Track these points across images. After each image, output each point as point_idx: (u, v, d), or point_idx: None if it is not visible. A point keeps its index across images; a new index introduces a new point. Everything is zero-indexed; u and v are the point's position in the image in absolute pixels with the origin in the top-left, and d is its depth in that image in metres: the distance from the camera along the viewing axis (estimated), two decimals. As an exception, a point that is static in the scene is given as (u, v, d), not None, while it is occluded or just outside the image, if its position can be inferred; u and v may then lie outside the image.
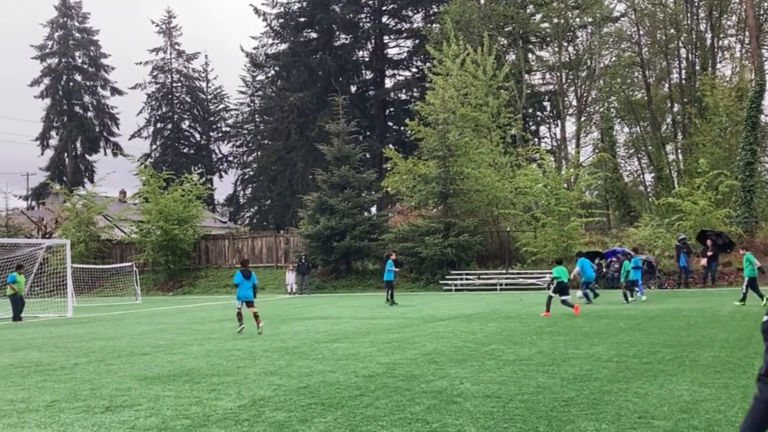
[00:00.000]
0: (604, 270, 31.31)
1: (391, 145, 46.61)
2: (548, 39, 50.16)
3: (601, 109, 49.23)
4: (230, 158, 74.43)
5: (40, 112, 70.17)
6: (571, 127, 51.09)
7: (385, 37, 61.46)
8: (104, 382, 8.75)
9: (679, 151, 47.63)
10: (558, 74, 50.17)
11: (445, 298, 27.70)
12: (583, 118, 50.29)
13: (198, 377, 8.86)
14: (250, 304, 14.91)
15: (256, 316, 14.67)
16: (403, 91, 60.71)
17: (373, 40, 61.04)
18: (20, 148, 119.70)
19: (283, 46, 60.62)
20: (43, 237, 44.35)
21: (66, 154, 70.10)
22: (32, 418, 6.59)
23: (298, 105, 55.53)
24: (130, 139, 70.86)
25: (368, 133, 58.67)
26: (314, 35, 60.03)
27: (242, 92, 71.25)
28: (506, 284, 32.18)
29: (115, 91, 71.86)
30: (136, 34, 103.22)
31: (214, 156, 75.47)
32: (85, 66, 71.35)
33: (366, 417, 6.20)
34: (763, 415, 3.70)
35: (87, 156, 71.47)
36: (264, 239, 42.79)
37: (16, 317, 22.04)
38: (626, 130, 53.89)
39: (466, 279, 33.19)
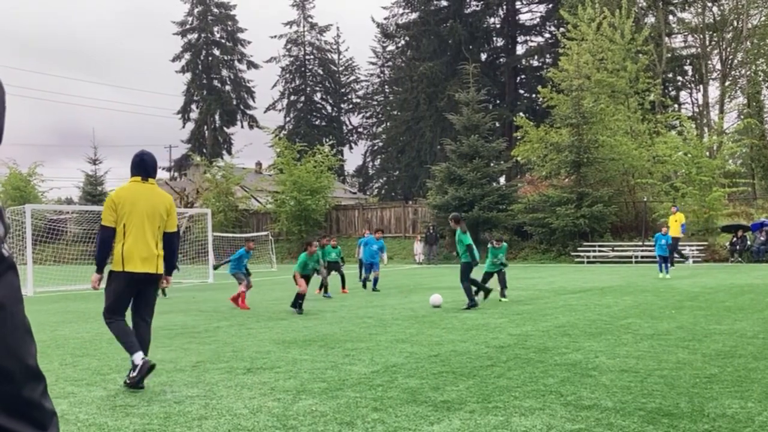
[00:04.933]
0: (749, 243, 29.68)
1: (522, 113, 45.76)
2: (691, -1, 47.50)
3: (748, 73, 46.24)
4: (360, 129, 75.45)
5: (181, 86, 73.65)
6: (714, 92, 48.36)
7: (517, 3, 60.18)
8: (245, 345, 9.15)
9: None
10: (701, 36, 47.44)
11: (576, 270, 27.09)
12: (727, 83, 47.39)
13: (332, 342, 9.10)
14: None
15: None
16: (535, 57, 59.35)
17: (504, 6, 59.87)
18: (164, 121, 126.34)
19: (414, 16, 60.55)
20: (185, 206, 46.68)
21: (205, 127, 73.26)
22: (180, 378, 6.99)
23: (427, 74, 55.43)
24: (265, 111, 73.20)
25: (498, 101, 57.89)
26: (444, 3, 59.57)
27: (372, 63, 71.87)
28: (642, 257, 31.09)
29: (251, 65, 74.24)
30: (271, 8, 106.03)
31: (344, 127, 76.67)
32: (223, 41, 74.01)
33: (498, 387, 6.17)
34: None
35: (225, 128, 74.45)
36: (392, 210, 43.25)
37: None
38: (776, 94, 50.39)
39: (599, 251, 32.31)
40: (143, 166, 6.67)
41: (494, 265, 14.79)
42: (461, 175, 35.96)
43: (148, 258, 6.45)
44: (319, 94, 75.83)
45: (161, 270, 6.63)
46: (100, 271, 6.70)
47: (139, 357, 6.29)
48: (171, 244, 6.72)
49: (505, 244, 15.57)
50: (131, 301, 6.63)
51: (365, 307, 13.79)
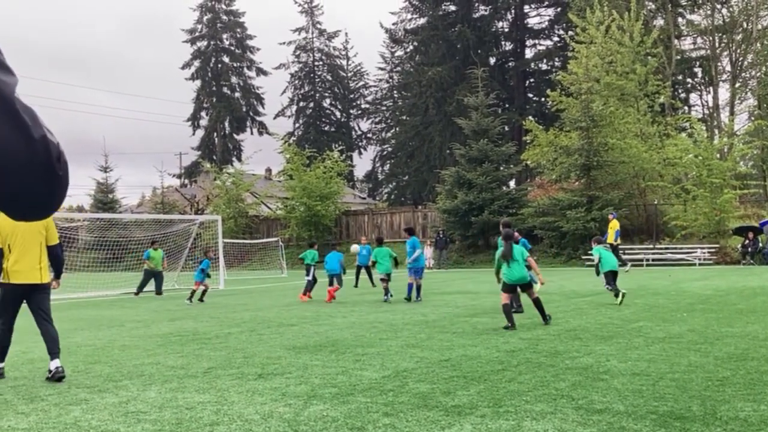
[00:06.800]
0: (761, 245, 29.52)
1: (531, 117, 45.63)
2: (700, 1, 47.32)
3: (759, 74, 46.04)
4: (369, 135, 75.42)
5: (191, 93, 73.90)
6: (724, 93, 48.17)
7: (526, 7, 60.10)
8: (256, 350, 9.17)
9: None
10: (710, 38, 47.27)
11: (587, 273, 26.96)
12: (737, 84, 47.19)
13: (343, 348, 9.11)
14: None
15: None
16: (544, 61, 59.27)
17: (513, 10, 59.85)
18: (174, 129, 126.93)
19: (422, 21, 60.60)
20: (196, 213, 46.82)
21: (215, 134, 73.44)
22: (191, 384, 7.01)
23: (436, 79, 55.43)
24: (274, 118, 73.26)
25: (507, 105, 57.80)
26: (453, 8, 59.54)
27: (381, 69, 71.86)
28: (653, 260, 30.97)
29: (260, 72, 74.41)
30: (280, 15, 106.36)
31: (353, 133, 76.68)
32: (232, 48, 74.23)
33: (509, 391, 6.16)
34: None
35: (235, 135, 74.62)
36: (402, 214, 43.24)
37: (139, 291, 22.24)
38: (786, 96, 50.11)
39: (610, 254, 32.18)
40: None
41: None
42: (471, 180, 35.92)
43: (30, 271, 7.53)
44: (328, 100, 75.89)
45: (46, 279, 7.73)
46: None
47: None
48: (54, 254, 7.84)
49: (595, 247, 14.63)
50: (31, 309, 7.66)
51: (375, 313, 13.79)
